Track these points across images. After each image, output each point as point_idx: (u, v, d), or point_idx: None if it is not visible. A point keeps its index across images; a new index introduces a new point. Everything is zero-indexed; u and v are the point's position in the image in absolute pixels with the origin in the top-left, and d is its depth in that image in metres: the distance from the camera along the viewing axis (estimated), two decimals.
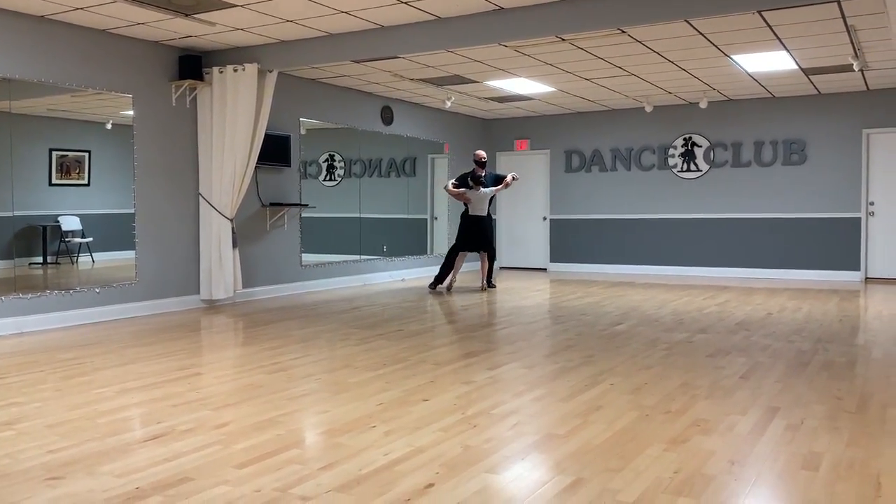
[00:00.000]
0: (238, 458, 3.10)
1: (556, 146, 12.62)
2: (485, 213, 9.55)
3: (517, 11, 6.21)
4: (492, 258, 9.74)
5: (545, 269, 12.65)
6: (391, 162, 11.22)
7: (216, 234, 7.84)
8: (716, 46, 7.59)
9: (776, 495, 2.77)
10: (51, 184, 6.88)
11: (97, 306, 6.99)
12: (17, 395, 4.18)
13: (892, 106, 10.24)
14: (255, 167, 8.03)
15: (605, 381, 4.49)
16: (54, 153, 6.90)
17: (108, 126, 7.53)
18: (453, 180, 9.80)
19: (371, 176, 10.83)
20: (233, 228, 7.89)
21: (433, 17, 6.52)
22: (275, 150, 8.71)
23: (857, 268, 10.52)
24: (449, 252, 9.76)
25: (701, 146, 11.50)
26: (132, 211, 7.36)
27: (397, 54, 7.29)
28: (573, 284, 10.38)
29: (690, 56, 8.04)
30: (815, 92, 10.44)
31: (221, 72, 7.69)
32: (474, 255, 9.86)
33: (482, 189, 9.43)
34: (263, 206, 8.81)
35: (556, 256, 12.66)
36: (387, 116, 10.85)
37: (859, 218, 10.49)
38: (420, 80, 9.42)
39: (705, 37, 7.19)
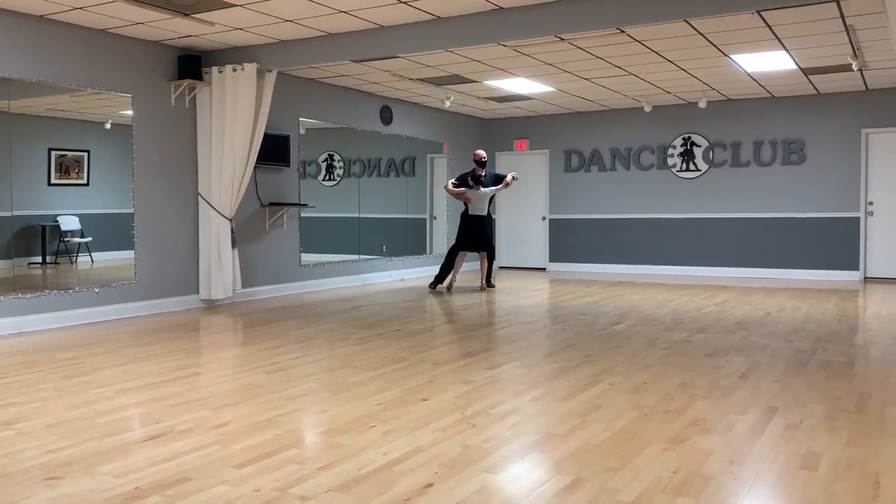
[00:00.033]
0: (237, 457, 3.10)
1: (555, 146, 12.62)
2: (485, 213, 9.55)
3: (516, 11, 6.21)
4: (491, 258, 9.74)
5: (544, 269, 12.65)
6: (390, 162, 11.22)
7: (215, 234, 7.84)
8: (715, 46, 7.59)
9: (775, 495, 2.77)
10: (50, 183, 6.88)
11: (96, 306, 6.99)
12: (16, 395, 4.18)
13: (891, 106, 10.25)
14: (255, 167, 8.03)
15: (605, 380, 4.50)
16: (53, 153, 6.90)
17: (108, 126, 7.53)
18: (453, 180, 9.80)
19: (370, 176, 10.82)
20: (232, 228, 7.89)
21: (432, 17, 6.52)
22: (274, 150, 8.71)
23: (855, 267, 10.52)
24: (449, 252, 9.76)
25: (700, 146, 11.51)
26: (131, 211, 7.36)
27: (396, 54, 7.29)
28: (572, 284, 10.38)
29: (689, 56, 8.04)
30: (815, 92, 10.45)
31: (221, 71, 7.69)
32: (474, 254, 9.87)
33: (482, 189, 9.43)
34: (263, 205, 8.81)
35: (555, 256, 12.66)
36: (386, 116, 10.84)
37: (858, 218, 10.50)
38: (419, 79, 9.42)
39: (704, 36, 7.19)
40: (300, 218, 9.41)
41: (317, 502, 2.64)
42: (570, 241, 12.51)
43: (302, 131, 9.43)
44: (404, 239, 11.68)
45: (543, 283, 10.57)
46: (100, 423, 3.63)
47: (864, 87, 10.14)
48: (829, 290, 9.40)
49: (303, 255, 9.45)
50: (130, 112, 7.34)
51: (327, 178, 10.27)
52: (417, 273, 11.39)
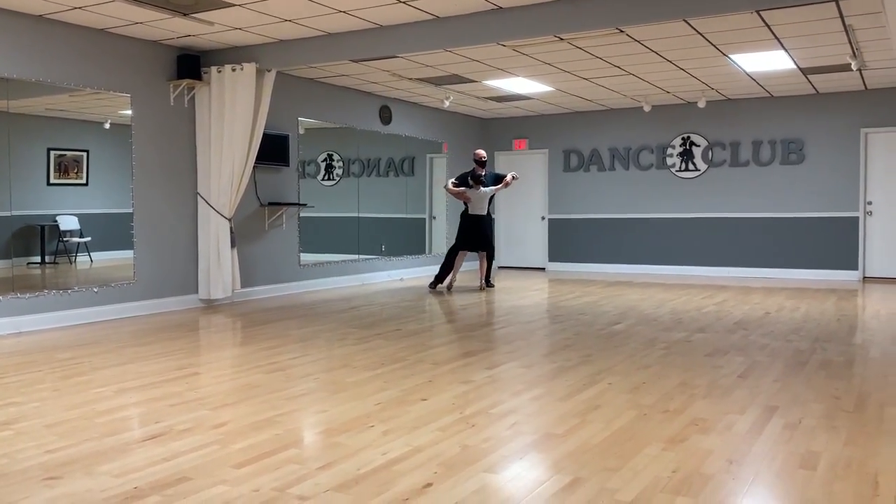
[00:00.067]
0: (236, 457, 3.10)
1: (554, 146, 12.62)
2: (484, 213, 9.55)
3: (515, 11, 6.21)
4: (490, 258, 9.74)
5: (543, 269, 12.65)
6: (389, 161, 11.22)
7: (214, 234, 7.84)
8: (714, 46, 7.59)
9: (774, 494, 2.77)
10: (49, 183, 6.87)
11: (95, 306, 6.99)
12: (15, 395, 4.17)
13: (890, 105, 10.25)
14: (254, 167, 8.03)
15: (604, 380, 4.50)
16: (52, 153, 6.89)
17: (107, 126, 7.52)
18: (453, 179, 9.80)
19: (369, 175, 10.82)
20: (231, 228, 7.89)
21: (431, 17, 6.52)
22: (273, 150, 8.71)
23: (854, 267, 10.53)
24: (449, 251, 9.76)
25: (699, 146, 11.51)
26: (130, 210, 7.35)
27: (396, 54, 7.29)
28: (571, 284, 10.38)
29: (689, 55, 8.04)
30: (814, 91, 10.45)
31: (220, 71, 7.69)
32: (474, 254, 9.86)
33: (482, 188, 9.43)
34: (262, 205, 8.80)
35: (554, 256, 12.66)
36: (385, 116, 10.84)
37: (857, 217, 10.50)
38: (418, 79, 9.42)
39: (703, 36, 7.19)
40: (299, 218, 9.41)
41: (316, 502, 2.64)
42: (570, 241, 12.51)
43: (301, 131, 9.43)
44: (403, 239, 11.68)
45: (542, 283, 10.57)
46: (99, 422, 3.63)
47: (863, 87, 10.14)
48: (828, 289, 9.41)
49: (302, 254, 9.45)
50: (129, 112, 7.34)
51: (326, 177, 10.27)
52: (416, 273, 11.39)
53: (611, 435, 3.40)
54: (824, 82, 9.75)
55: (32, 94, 6.70)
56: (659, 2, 5.80)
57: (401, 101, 11.08)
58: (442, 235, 11.90)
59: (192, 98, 7.89)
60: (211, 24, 6.76)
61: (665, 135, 11.73)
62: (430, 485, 2.79)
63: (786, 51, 7.82)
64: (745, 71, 8.86)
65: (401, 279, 10.97)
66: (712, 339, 5.93)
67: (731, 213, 11.30)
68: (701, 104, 10.71)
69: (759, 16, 6.48)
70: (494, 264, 10.54)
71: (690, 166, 11.56)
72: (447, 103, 10.62)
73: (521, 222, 13.01)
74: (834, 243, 10.64)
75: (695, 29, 6.91)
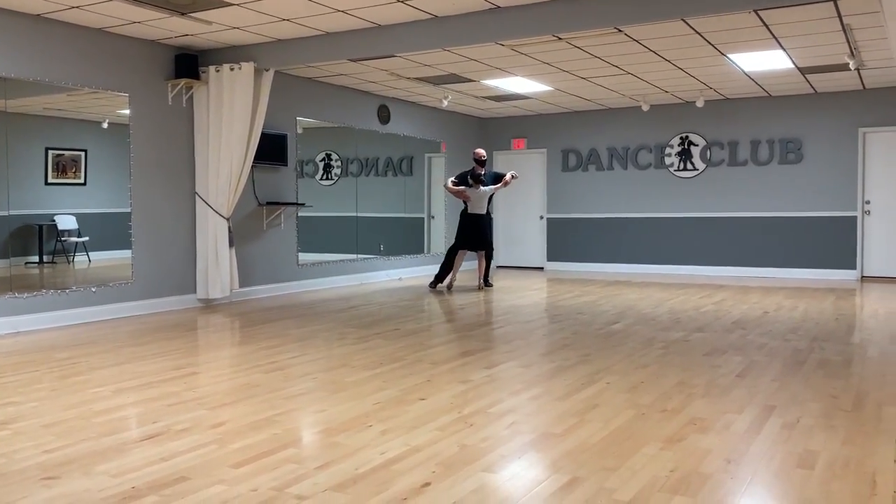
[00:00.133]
0: (234, 457, 3.10)
1: (552, 145, 12.62)
2: (484, 212, 9.55)
3: (514, 10, 6.21)
4: (489, 257, 9.75)
5: (542, 268, 12.65)
6: (388, 161, 11.22)
7: (213, 234, 7.83)
8: (712, 45, 7.59)
9: (772, 494, 2.77)
10: (47, 183, 6.87)
11: (93, 306, 6.98)
12: (13, 395, 4.17)
13: (888, 105, 10.26)
14: (252, 166, 8.03)
15: (602, 379, 4.50)
16: (50, 152, 6.89)
17: (105, 125, 7.52)
18: (453, 178, 9.80)
19: (368, 175, 10.82)
20: (229, 228, 7.88)
21: (430, 16, 6.51)
22: (271, 150, 8.70)
23: (853, 266, 10.54)
24: (448, 251, 9.76)
25: (697, 145, 11.51)
26: (128, 210, 7.35)
27: (394, 53, 7.29)
28: (570, 283, 10.38)
29: (687, 55, 8.04)
30: (812, 91, 10.46)
31: (218, 71, 7.68)
32: (473, 253, 9.86)
33: (481, 187, 9.43)
34: (260, 205, 8.80)
35: (552, 255, 12.66)
36: (383, 115, 10.84)
37: (855, 216, 10.51)
38: (417, 78, 9.42)
39: (702, 36, 7.20)
40: (298, 217, 9.41)
41: (314, 502, 2.64)
42: (568, 241, 12.51)
43: (299, 130, 9.43)
44: (402, 238, 11.67)
45: (541, 283, 10.57)
46: (97, 422, 3.63)
47: (861, 87, 10.15)
48: (827, 288, 9.41)
49: (300, 254, 9.45)
50: (127, 111, 7.33)
51: (325, 177, 10.26)
52: (415, 272, 11.39)
53: (609, 434, 3.40)
54: (822, 82, 9.75)
55: (30, 93, 6.69)
56: (657, 1, 5.80)
57: (399, 100, 11.08)
58: (440, 235, 11.90)
59: (191, 97, 7.89)
60: (209, 23, 6.76)
61: (663, 134, 11.73)
62: (428, 484, 2.79)
63: (784, 50, 7.83)
64: (743, 70, 8.87)
65: (399, 279, 10.97)
66: (710, 338, 5.93)
67: (729, 213, 11.30)
68: (699, 104, 10.71)
69: (758, 15, 6.49)
70: (492, 263, 10.54)
71: (689, 166, 11.57)
72: (445, 103, 10.62)
73: (520, 222, 13.01)
74: (832, 243, 10.65)
75: (693, 28, 6.91)
